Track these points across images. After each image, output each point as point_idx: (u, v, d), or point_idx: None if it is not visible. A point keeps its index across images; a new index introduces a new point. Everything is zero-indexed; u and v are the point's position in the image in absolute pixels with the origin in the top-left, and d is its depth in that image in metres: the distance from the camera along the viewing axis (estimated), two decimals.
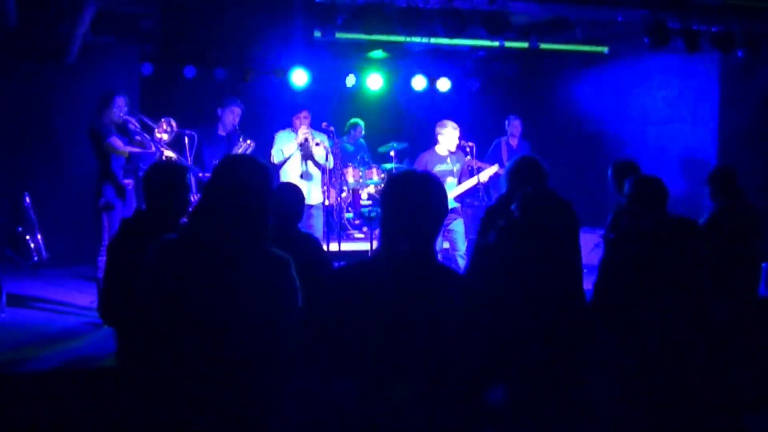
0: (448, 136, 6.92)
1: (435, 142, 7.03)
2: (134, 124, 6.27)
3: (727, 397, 4.28)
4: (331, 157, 7.49)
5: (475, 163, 8.32)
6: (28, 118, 8.13)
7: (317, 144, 7.29)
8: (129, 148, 6.17)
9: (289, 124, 7.45)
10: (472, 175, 7.15)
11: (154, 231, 3.37)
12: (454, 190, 6.91)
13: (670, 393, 3.75)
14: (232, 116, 7.29)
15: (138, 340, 2.64)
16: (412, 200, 2.29)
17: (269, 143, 7.44)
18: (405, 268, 2.26)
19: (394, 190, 2.34)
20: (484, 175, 7.14)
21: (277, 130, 7.52)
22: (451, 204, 6.90)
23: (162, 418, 2.45)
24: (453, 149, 6.93)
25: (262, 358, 2.41)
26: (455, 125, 6.97)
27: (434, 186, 2.34)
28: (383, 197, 2.36)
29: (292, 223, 3.82)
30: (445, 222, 6.90)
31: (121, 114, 6.20)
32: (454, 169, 6.98)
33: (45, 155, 8.19)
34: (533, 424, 3.37)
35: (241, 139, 7.21)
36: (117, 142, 6.08)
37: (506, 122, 8.99)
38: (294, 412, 2.31)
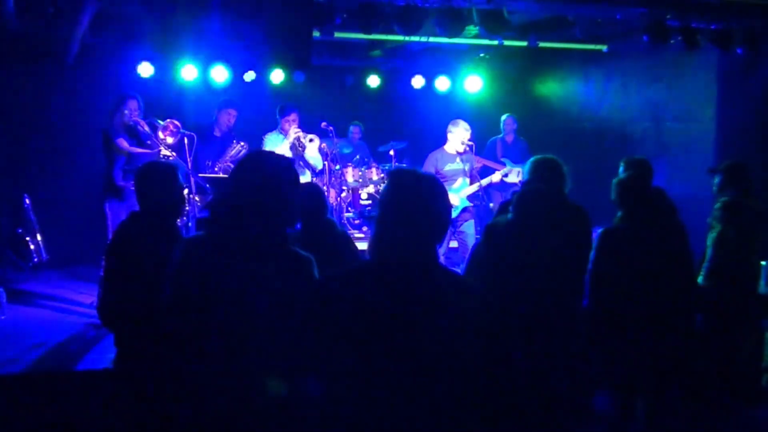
0: (457, 135, 6.83)
1: (445, 140, 6.97)
2: (143, 127, 6.29)
3: (726, 390, 4.29)
4: (320, 157, 7.41)
5: (479, 161, 8.37)
6: (27, 119, 8.13)
7: (311, 140, 7.23)
8: (133, 149, 6.20)
9: (281, 117, 7.35)
10: (481, 176, 7.17)
11: (149, 231, 3.36)
12: (465, 189, 6.86)
13: (668, 389, 3.76)
14: (227, 117, 7.31)
15: (166, 336, 2.56)
16: (417, 203, 2.20)
17: None
18: (408, 272, 2.19)
19: (399, 191, 2.24)
20: (497, 176, 7.28)
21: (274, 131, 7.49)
22: (464, 203, 6.87)
23: (179, 409, 2.44)
24: (460, 149, 6.85)
25: (280, 357, 2.37)
26: (467, 126, 6.89)
27: (440, 191, 2.25)
28: (385, 196, 2.25)
29: (318, 217, 3.86)
30: (458, 221, 6.92)
31: (133, 116, 6.23)
32: (465, 168, 6.91)
33: (45, 157, 8.20)
34: (531, 423, 3.37)
35: (234, 141, 7.22)
36: (123, 143, 6.14)
37: (502, 121, 9.47)
38: (298, 413, 2.30)
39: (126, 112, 6.18)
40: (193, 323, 2.41)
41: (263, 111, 8.89)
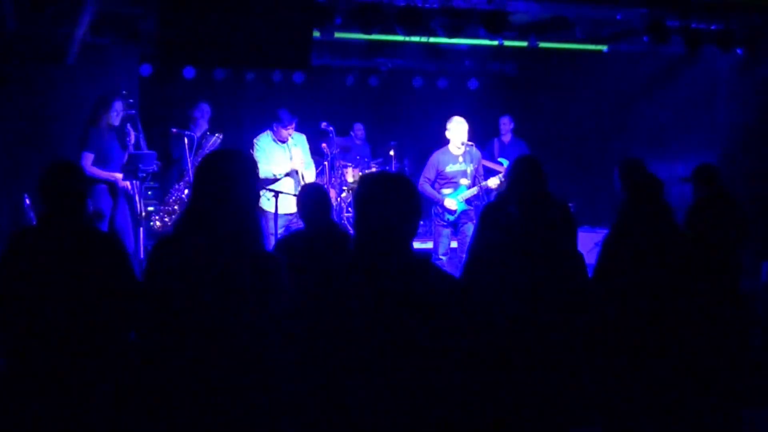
0: (455, 131, 6.77)
1: (446, 140, 6.91)
2: (130, 132, 6.37)
3: (724, 392, 4.29)
4: (311, 168, 7.30)
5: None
6: (27, 119, 8.12)
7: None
8: (95, 171, 6.24)
9: (279, 125, 7.03)
10: (485, 179, 7.02)
11: (53, 236, 3.14)
12: (464, 192, 6.74)
13: (668, 389, 3.76)
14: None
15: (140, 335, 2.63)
16: (386, 202, 2.29)
17: None
18: (385, 270, 2.25)
19: (367, 192, 2.33)
20: (493, 181, 6.95)
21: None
22: (462, 207, 6.78)
23: (154, 414, 2.45)
24: (465, 140, 6.75)
25: (250, 358, 2.41)
26: (461, 119, 6.84)
27: (407, 187, 2.34)
28: (357, 200, 2.34)
29: (323, 218, 3.90)
30: (458, 223, 6.85)
31: (119, 119, 6.31)
32: (468, 170, 6.77)
33: (44, 157, 8.16)
34: (528, 421, 3.37)
35: (207, 133, 7.24)
36: (87, 160, 6.18)
37: (499, 121, 9.44)
38: (280, 410, 2.32)
39: (113, 114, 6.27)
40: (165, 321, 2.43)
41: (263, 111, 8.91)
